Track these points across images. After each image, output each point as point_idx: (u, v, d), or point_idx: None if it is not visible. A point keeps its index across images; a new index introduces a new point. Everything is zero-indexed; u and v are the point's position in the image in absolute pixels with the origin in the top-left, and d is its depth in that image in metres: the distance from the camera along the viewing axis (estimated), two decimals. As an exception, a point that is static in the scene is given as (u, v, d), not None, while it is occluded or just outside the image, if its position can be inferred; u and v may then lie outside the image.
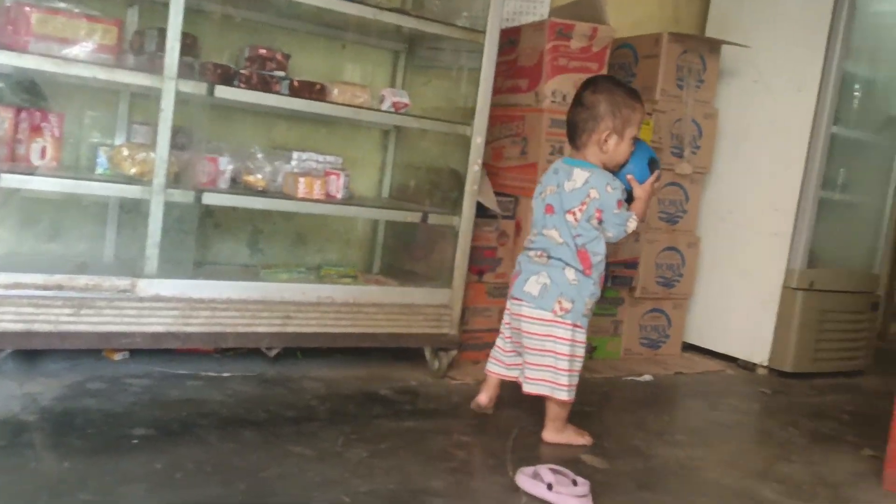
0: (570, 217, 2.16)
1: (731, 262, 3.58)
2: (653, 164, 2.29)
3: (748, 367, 3.52)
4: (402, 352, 2.81)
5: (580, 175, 2.16)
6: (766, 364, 3.46)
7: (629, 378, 3.12)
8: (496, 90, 2.83)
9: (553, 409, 2.28)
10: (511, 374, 2.38)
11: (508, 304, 2.32)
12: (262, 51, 2.58)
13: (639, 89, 3.31)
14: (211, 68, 2.41)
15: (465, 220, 2.72)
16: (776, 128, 3.46)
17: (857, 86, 3.53)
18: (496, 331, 3.01)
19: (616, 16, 3.46)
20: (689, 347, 3.70)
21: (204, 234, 2.84)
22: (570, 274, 2.17)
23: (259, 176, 2.53)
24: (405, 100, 2.73)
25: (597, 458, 2.15)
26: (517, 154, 3.11)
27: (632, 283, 3.38)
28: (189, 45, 2.36)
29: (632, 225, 2.19)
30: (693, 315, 3.68)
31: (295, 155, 2.67)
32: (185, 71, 2.24)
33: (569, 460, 2.09)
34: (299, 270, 2.76)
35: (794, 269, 3.39)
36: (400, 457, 1.99)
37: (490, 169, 3.12)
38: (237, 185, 2.53)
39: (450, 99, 2.97)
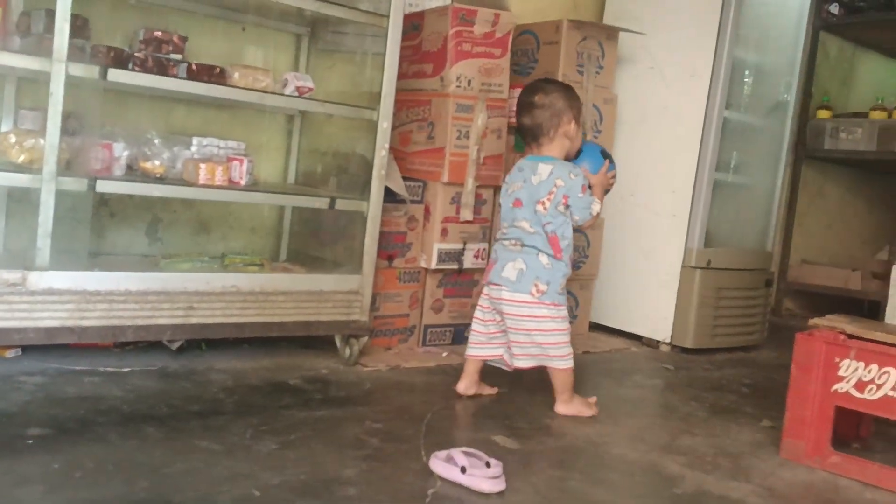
0: (539, 207, 2.37)
1: (633, 243, 3.69)
2: (605, 155, 2.56)
3: (652, 344, 3.63)
4: (312, 340, 2.77)
5: (545, 168, 2.38)
6: (668, 341, 3.59)
7: (538, 359, 3.17)
8: (402, 75, 2.81)
9: (557, 380, 2.48)
10: (494, 353, 2.55)
11: (486, 289, 2.51)
12: (158, 33, 2.48)
13: (540, 75, 3.39)
14: (103, 51, 2.30)
15: (374, 205, 2.70)
16: (672, 113, 3.58)
17: (746, 72, 3.69)
18: (407, 316, 3.05)
19: (518, 3, 3.51)
20: (595, 327, 3.79)
21: (99, 224, 2.71)
22: (544, 259, 2.39)
23: (157, 162, 2.43)
24: (309, 84, 2.68)
25: (509, 439, 2.18)
26: (424, 139, 3.10)
27: (539, 265, 3.43)
28: (80, 27, 2.26)
29: (595, 207, 2.42)
30: (599, 295, 3.77)
31: (195, 140, 2.59)
32: (75, 54, 2.14)
33: (481, 442, 2.10)
34: (202, 260, 2.67)
35: (691, 248, 3.52)
36: (311, 447, 1.96)
37: (397, 154, 3.10)
38: (134, 173, 2.43)
39: (355, 83, 2.94)
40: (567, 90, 2.50)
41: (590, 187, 2.44)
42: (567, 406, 2.48)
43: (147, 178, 2.42)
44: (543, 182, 2.37)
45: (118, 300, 2.23)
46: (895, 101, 4.66)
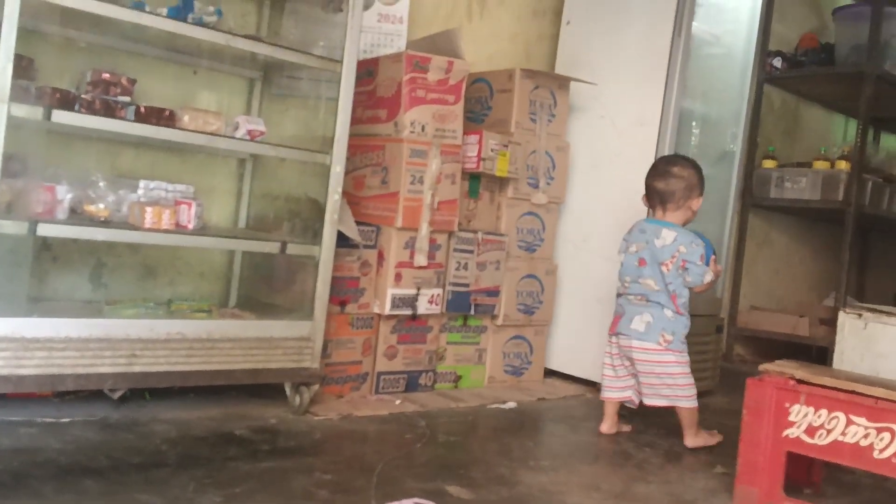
0: (663, 268, 2.72)
1: (586, 289, 3.70)
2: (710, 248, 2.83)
3: (605, 390, 3.63)
4: (261, 388, 2.70)
5: (668, 234, 2.73)
6: (621, 387, 3.58)
7: (494, 406, 3.14)
8: (356, 120, 2.81)
9: (685, 418, 2.81)
10: (624, 395, 2.90)
11: (614, 339, 2.85)
12: (106, 75, 2.44)
13: (494, 122, 3.43)
14: (49, 92, 2.26)
15: (326, 249, 2.66)
16: (623, 160, 3.64)
17: (693, 122, 3.78)
18: (359, 363, 3.00)
19: (471, 50, 3.55)
20: (550, 373, 3.77)
21: (41, 269, 2.62)
22: (668, 313, 2.75)
23: (101, 205, 2.37)
24: (261, 127, 2.66)
25: (462, 489, 2.13)
26: (378, 183, 3.09)
27: (494, 310, 3.42)
28: (24, 67, 2.22)
29: (708, 277, 2.74)
30: (553, 341, 3.76)
31: (142, 183, 2.53)
32: (18, 94, 2.09)
33: (434, 492, 2.06)
34: (147, 305, 2.60)
35: (644, 294, 3.54)
36: (257, 500, 1.89)
37: (351, 198, 3.08)
38: (77, 216, 2.36)
39: (308, 128, 2.93)
40: (700, 170, 2.84)
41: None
42: (694, 439, 2.81)
43: (91, 221, 2.36)
44: (667, 247, 2.70)
45: (58, 348, 2.14)
46: (837, 151, 4.82)
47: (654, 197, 2.79)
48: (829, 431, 2.14)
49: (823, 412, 2.15)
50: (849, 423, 2.10)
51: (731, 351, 4.91)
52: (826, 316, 4.66)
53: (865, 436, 2.08)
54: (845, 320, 2.79)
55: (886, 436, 2.05)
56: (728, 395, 3.83)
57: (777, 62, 4.79)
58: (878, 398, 2.08)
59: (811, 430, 2.17)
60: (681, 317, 2.77)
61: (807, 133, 5.45)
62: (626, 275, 2.79)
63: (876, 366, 2.63)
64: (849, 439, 2.10)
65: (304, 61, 2.67)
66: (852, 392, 2.12)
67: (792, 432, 2.20)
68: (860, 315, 2.76)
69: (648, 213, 2.94)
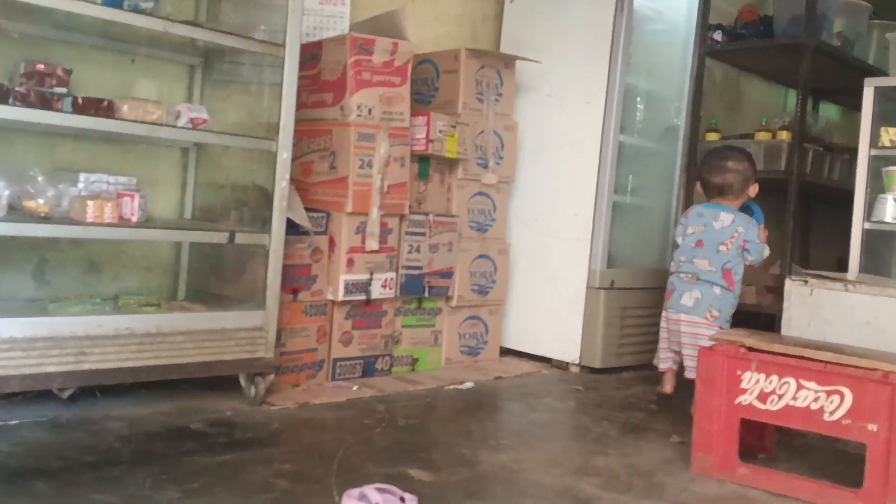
0: (722, 248, 2.88)
1: (539, 267, 3.73)
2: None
3: (562, 366, 3.67)
4: (216, 380, 2.66)
5: (726, 217, 2.91)
6: (577, 362, 3.63)
7: (451, 387, 3.15)
8: (301, 105, 2.77)
9: None
10: (675, 365, 3.07)
11: (666, 314, 3.01)
12: (41, 66, 2.37)
13: (442, 103, 3.41)
14: (-21, 85, 2.17)
15: (276, 237, 2.63)
16: (570, 138, 3.66)
17: (638, 98, 3.82)
18: (315, 350, 2.97)
19: (416, 32, 3.52)
20: (506, 352, 3.80)
21: (-21, 269, 2.54)
22: (717, 290, 2.89)
23: (41, 201, 2.30)
24: (203, 115, 2.60)
25: (424, 472, 2.14)
26: (326, 169, 3.06)
27: (448, 292, 3.42)
28: (-49, 59, 2.13)
29: (766, 251, 2.95)
30: (508, 320, 3.79)
31: (82, 177, 2.46)
32: (-54, 88, 2.01)
33: (395, 476, 2.06)
34: (93, 302, 2.53)
35: (595, 270, 3.59)
36: (215, 494, 1.87)
37: (299, 185, 3.04)
38: (17, 212, 2.28)
39: (252, 114, 2.87)
40: (752, 159, 3.06)
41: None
42: None
43: (31, 217, 2.28)
44: (726, 228, 2.88)
45: (2, 348, 2.08)
46: (779, 122, 4.91)
47: (713, 189, 2.97)
48: (780, 397, 2.19)
49: (774, 378, 2.20)
50: (799, 387, 2.17)
51: (681, 322, 5.00)
52: (772, 284, 4.76)
53: (815, 399, 2.14)
54: (791, 287, 2.86)
55: (836, 398, 2.11)
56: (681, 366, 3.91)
57: (717, 36, 4.84)
58: (826, 362, 2.14)
59: (763, 397, 2.22)
60: (730, 294, 2.92)
61: (748, 105, 5.54)
62: (682, 254, 2.94)
63: (823, 331, 2.71)
64: (800, 403, 2.17)
65: (245, 46, 2.62)
66: (801, 357, 2.18)
67: (744, 399, 2.25)
68: (806, 282, 2.84)
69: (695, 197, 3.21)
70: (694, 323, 2.89)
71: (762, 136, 4.81)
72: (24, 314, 2.27)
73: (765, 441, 2.52)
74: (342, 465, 2.14)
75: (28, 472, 1.89)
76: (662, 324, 3.04)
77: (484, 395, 3.11)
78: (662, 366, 3.10)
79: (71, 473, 1.91)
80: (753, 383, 2.24)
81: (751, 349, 2.27)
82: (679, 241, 2.98)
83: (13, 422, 2.25)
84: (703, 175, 3.02)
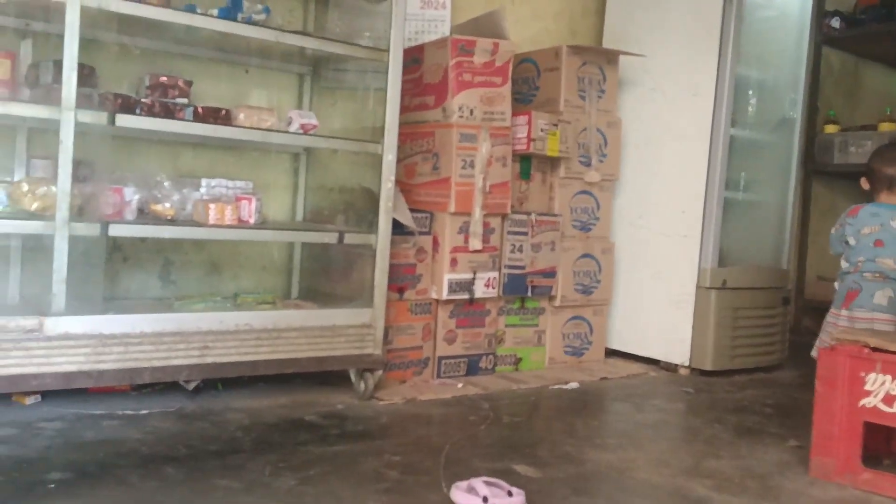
0: None
1: (645, 266, 3.66)
2: None
3: (670, 368, 3.59)
4: (327, 375, 2.76)
5: None
6: (686, 364, 3.54)
7: (556, 387, 3.14)
8: (404, 108, 2.83)
9: None
10: None
11: (846, 313, 2.87)
12: (164, 78, 2.53)
13: (543, 101, 3.41)
14: (111, 98, 2.34)
15: (382, 237, 2.70)
16: (677, 133, 3.58)
17: (750, 89, 3.69)
18: (420, 348, 3.03)
19: (515, 31, 3.54)
20: (611, 353, 3.75)
21: (113, 268, 2.73)
22: None
23: (167, 205, 2.45)
24: (313, 121, 2.71)
25: (529, 468, 2.15)
26: (429, 170, 3.11)
27: (551, 291, 3.41)
28: (86, 75, 2.30)
29: None
30: (613, 320, 3.74)
31: (204, 182, 2.61)
32: (83, 102, 2.18)
33: (501, 471, 2.07)
34: (215, 299, 2.68)
35: (705, 268, 3.49)
36: (330, 482, 1.94)
37: (403, 186, 3.11)
38: (145, 216, 2.45)
39: (358, 119, 2.96)
40: None
41: None
42: None
43: (158, 220, 2.44)
44: None
45: (133, 343, 2.23)
46: (904, 112, 4.65)
47: (884, 182, 2.93)
48: (907, 399, 2.08)
49: (901, 380, 2.09)
50: (927, 390, 2.05)
51: (798, 323, 4.80)
52: (897, 283, 4.51)
53: (945, 401, 2.02)
54: (918, 285, 2.70)
55: (966, 399, 1.99)
56: (798, 369, 3.76)
57: (835, 22, 4.64)
58: (956, 361, 2.02)
59: (889, 399, 2.11)
60: None
61: (869, 94, 5.26)
62: (860, 255, 2.89)
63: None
64: (928, 406, 2.05)
65: (351, 53, 2.70)
66: (929, 358, 2.06)
67: (868, 402, 2.15)
68: (934, 279, 2.68)
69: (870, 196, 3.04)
70: (888, 321, 2.82)
71: (886, 126, 4.57)
72: (153, 311, 2.42)
73: (892, 445, 2.39)
74: (449, 458, 2.17)
75: (159, 459, 2.02)
76: (835, 321, 2.93)
77: (589, 396, 3.09)
78: None
79: (197, 460, 2.03)
80: (878, 385, 2.13)
81: (875, 349, 2.16)
82: (851, 241, 2.94)
83: (144, 411, 2.41)
84: (876, 166, 2.96)
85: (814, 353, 3.02)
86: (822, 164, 4.74)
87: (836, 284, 3.07)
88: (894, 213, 2.88)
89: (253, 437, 2.26)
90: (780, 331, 3.78)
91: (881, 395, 2.13)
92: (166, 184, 2.49)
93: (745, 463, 2.33)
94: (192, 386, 2.55)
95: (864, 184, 3.01)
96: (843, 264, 2.99)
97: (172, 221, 2.44)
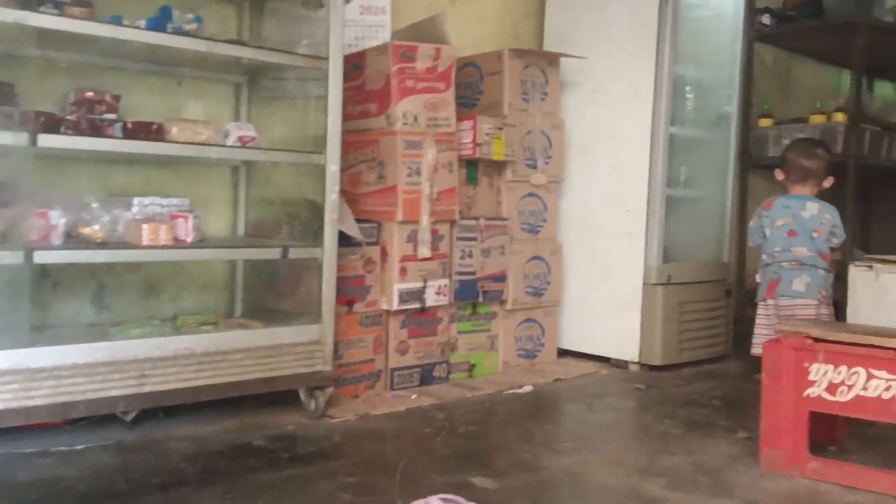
0: (814, 234, 3.08)
1: (593, 266, 3.67)
2: None
3: (621, 365, 3.60)
4: (276, 396, 2.67)
5: (812, 206, 3.12)
6: (636, 360, 3.56)
7: (510, 391, 3.12)
8: (347, 116, 2.77)
9: None
10: None
11: (771, 301, 3.15)
12: (90, 93, 2.41)
13: (487, 105, 3.38)
14: (33, 116, 2.22)
15: (328, 250, 2.63)
16: (619, 133, 3.60)
17: (688, 87, 3.74)
18: (372, 361, 2.97)
19: (457, 35, 3.50)
20: (564, 353, 3.75)
21: (41, 296, 2.60)
22: (821, 273, 3.09)
23: (97, 227, 2.34)
24: (251, 133, 2.62)
25: (487, 479, 2.11)
26: (375, 179, 3.06)
27: (502, 296, 3.39)
28: (5, 93, 2.18)
29: (844, 235, 3.15)
30: (564, 321, 3.74)
31: (136, 201, 2.50)
32: (2, 121, 2.06)
33: (459, 485, 2.04)
34: (153, 323, 2.57)
35: (651, 265, 3.52)
36: (282, 509, 1.88)
37: (349, 196, 3.05)
38: (73, 239, 2.33)
39: (299, 129, 2.88)
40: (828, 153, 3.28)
41: None
42: None
43: (88, 244, 2.32)
44: (814, 216, 3.09)
45: (65, 375, 2.12)
46: (833, 104, 4.76)
47: (798, 173, 3.15)
48: (850, 387, 2.12)
49: (843, 369, 2.13)
50: (869, 377, 2.09)
51: (741, 314, 4.87)
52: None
53: (887, 388, 2.06)
54: (856, 274, 2.76)
55: (910, 388, 2.02)
56: (742, 359, 3.81)
57: (766, 19, 4.73)
58: (898, 350, 2.06)
59: (832, 388, 2.15)
60: (829, 274, 3.13)
61: (801, 88, 5.38)
62: (776, 245, 3.12)
63: (891, 317, 2.60)
64: (871, 393, 2.09)
65: (289, 61, 2.63)
66: (871, 346, 2.10)
67: (813, 391, 2.18)
68: (871, 267, 2.73)
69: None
70: (808, 305, 3.08)
71: (817, 119, 4.69)
72: (85, 340, 2.29)
73: (835, 433, 2.43)
74: (405, 475, 2.13)
75: (97, 496, 1.92)
76: (765, 311, 3.18)
77: (543, 398, 3.07)
78: (758, 351, 3.20)
79: (138, 496, 1.94)
80: (821, 375, 2.17)
81: (817, 340, 2.19)
82: (767, 232, 3.15)
83: (80, 446, 2.29)
84: (791, 158, 3.16)
85: (755, 351, 3.21)
86: (757, 158, 4.82)
87: (757, 277, 3.30)
88: (803, 203, 3.10)
89: (198, 466, 2.17)
90: (723, 322, 3.85)
91: (824, 385, 2.17)
92: (94, 205, 2.38)
93: (696, 458, 2.35)
94: (130, 417, 2.45)
95: (779, 174, 3.20)
96: (763, 256, 3.19)
97: (103, 244, 2.33)
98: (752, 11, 4.41)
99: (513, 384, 3.20)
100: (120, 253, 2.36)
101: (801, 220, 3.10)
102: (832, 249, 3.15)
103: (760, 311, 3.20)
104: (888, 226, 5.45)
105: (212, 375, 2.37)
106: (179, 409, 2.57)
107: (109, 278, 2.75)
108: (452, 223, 3.17)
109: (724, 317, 3.84)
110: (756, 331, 3.21)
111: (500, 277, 3.37)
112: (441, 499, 1.82)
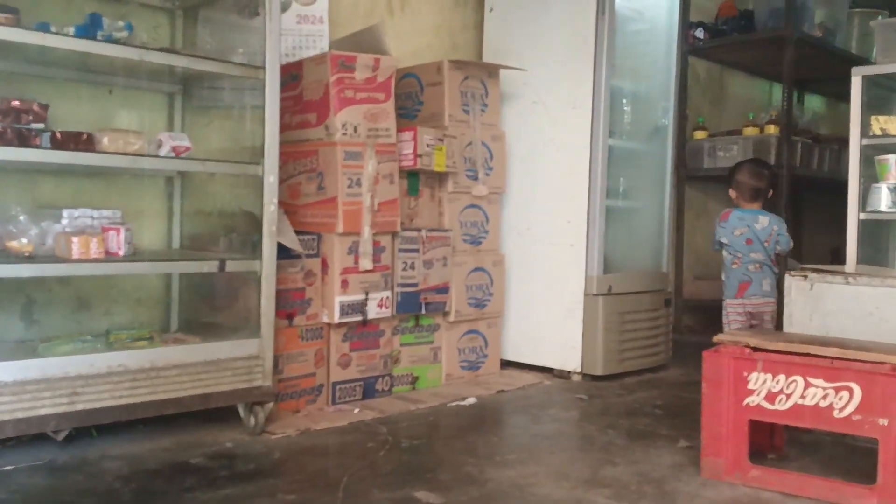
0: (766, 243, 3.40)
1: (535, 276, 3.69)
2: None
3: (563, 375, 3.62)
4: (214, 412, 2.60)
5: (763, 219, 3.42)
6: (579, 370, 3.59)
7: (454, 403, 3.10)
8: (284, 126, 2.73)
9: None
10: None
11: (747, 300, 3.41)
12: (16, 102, 2.32)
13: (427, 116, 3.37)
14: (-46, 125, 2.12)
15: (267, 263, 2.59)
16: (559, 144, 3.63)
17: (624, 100, 3.79)
18: (313, 375, 2.92)
19: (396, 46, 3.49)
20: (507, 364, 3.75)
21: (-35, 313, 2.49)
22: (772, 273, 3.42)
23: (24, 240, 2.25)
24: (186, 143, 2.56)
25: (431, 493, 2.09)
26: (315, 190, 3.02)
27: (445, 307, 3.38)
28: (-75, 102, 2.08)
29: (791, 243, 3.46)
30: (507, 331, 3.74)
31: (66, 213, 2.42)
32: (-81, 130, 1.96)
33: (403, 500, 2.01)
34: (84, 339, 2.48)
35: (592, 276, 3.55)
36: (221, 530, 1.82)
37: (288, 208, 3.00)
38: (1, 253, 2.23)
39: (236, 139, 2.83)
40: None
41: None
42: None
43: (15, 258, 2.23)
44: (765, 228, 3.40)
45: (-9, 394, 2.02)
46: (766, 116, 4.90)
47: (748, 192, 3.48)
48: (788, 396, 2.16)
49: (781, 377, 2.17)
50: (807, 385, 2.13)
51: (679, 322, 4.97)
52: (769, 279, 4.74)
53: (824, 396, 2.11)
54: (791, 283, 2.83)
55: (845, 395, 2.07)
56: (682, 367, 3.89)
57: (699, 33, 4.85)
58: (833, 358, 2.11)
59: (771, 397, 2.19)
60: (776, 274, 3.49)
61: (734, 101, 5.54)
62: (738, 251, 3.44)
63: (826, 324, 2.68)
64: (808, 402, 2.13)
65: (224, 70, 2.58)
66: (807, 354, 2.14)
67: (752, 400, 2.22)
68: (805, 276, 2.81)
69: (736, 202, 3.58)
70: (771, 303, 3.44)
71: (750, 131, 4.82)
72: (13, 357, 2.21)
73: (774, 440, 2.48)
74: (348, 491, 2.09)
75: (25, 521, 1.84)
76: (738, 310, 3.46)
77: (487, 410, 3.07)
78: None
79: (69, 519, 1.86)
80: (760, 384, 2.20)
81: (756, 349, 2.23)
82: (724, 240, 3.47)
83: (8, 467, 2.20)
84: (742, 179, 3.50)
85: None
86: (693, 169, 4.94)
87: (723, 276, 3.56)
88: (756, 217, 3.46)
89: (133, 486, 2.09)
90: (664, 332, 3.90)
91: (763, 394, 2.20)
92: (22, 217, 2.29)
93: (640, 468, 2.36)
94: (62, 436, 2.35)
95: (732, 193, 3.52)
96: (727, 258, 3.49)
97: (31, 258, 2.24)
98: (685, 25, 4.52)
99: (456, 396, 3.18)
100: (49, 267, 2.27)
101: (755, 230, 3.44)
102: (777, 255, 3.52)
103: (730, 308, 3.50)
104: (818, 234, 5.64)
105: (147, 392, 2.30)
106: (113, 428, 2.48)
107: (38, 293, 2.65)
108: (394, 235, 3.15)
109: (664, 325, 3.90)
110: (727, 322, 3.51)
111: (443, 289, 3.36)
112: (385, 514, 1.79)
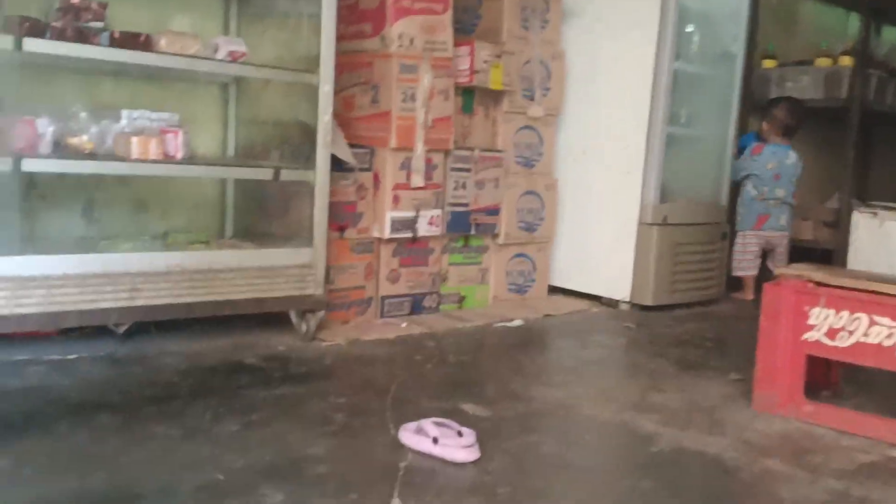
0: (793, 178, 3.74)
1: (588, 203, 3.62)
2: None
3: (611, 304, 3.59)
4: (268, 317, 2.65)
5: (793, 154, 3.77)
6: (627, 300, 3.55)
7: (500, 324, 3.11)
8: (339, 37, 2.67)
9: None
10: (756, 272, 3.91)
11: (760, 233, 3.84)
12: (76, 0, 2.30)
13: (485, 31, 3.26)
14: (17, 21, 2.12)
15: (321, 174, 2.58)
16: (621, 67, 3.51)
17: (693, 22, 3.63)
18: (363, 288, 2.95)
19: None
20: (554, 290, 3.73)
21: (31, 207, 2.53)
22: (790, 209, 3.83)
23: (85, 137, 2.26)
24: (242, 48, 2.53)
25: (478, 406, 2.11)
26: (369, 103, 2.98)
27: (495, 229, 3.36)
28: (-12, -4, 2.08)
29: None
30: (556, 257, 3.71)
31: (125, 113, 2.42)
32: (-14, 24, 1.97)
33: (450, 411, 2.03)
34: (143, 239, 2.52)
35: (647, 204, 3.47)
36: (274, 426, 1.86)
37: (341, 119, 2.97)
38: (61, 150, 2.26)
39: (291, 48, 2.79)
40: None
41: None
42: None
43: (76, 154, 2.25)
44: (794, 163, 3.74)
45: (56, 285, 2.08)
46: (840, 46, 4.67)
47: (783, 128, 3.72)
48: (850, 333, 2.09)
49: (845, 314, 2.10)
50: (871, 323, 2.06)
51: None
52: (829, 218, 4.60)
53: (889, 335, 2.04)
54: (859, 219, 2.73)
55: (912, 333, 2.01)
56: (735, 303, 3.82)
57: (774, -45, 4.60)
58: (901, 296, 2.04)
59: (832, 333, 2.12)
60: (794, 209, 3.90)
61: (806, 29, 5.26)
62: (765, 185, 3.70)
63: (892, 263, 2.59)
64: (872, 340, 2.07)
65: (282, -26, 2.53)
66: (875, 292, 2.07)
67: (811, 335, 2.16)
68: (875, 213, 2.71)
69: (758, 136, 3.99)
70: (786, 235, 3.82)
71: (822, 62, 4.59)
72: (75, 251, 2.26)
73: (830, 377, 2.43)
74: (396, 399, 2.12)
75: (90, 406, 1.90)
76: (753, 240, 3.82)
77: (533, 333, 3.07)
78: (749, 273, 3.89)
79: (131, 407, 1.92)
80: (822, 319, 2.14)
81: (819, 284, 2.17)
82: (757, 172, 3.67)
83: (71, 356, 2.27)
84: (779, 115, 3.71)
85: (739, 273, 3.92)
86: (759, 100, 4.74)
87: (739, 208, 3.82)
88: (787, 152, 3.72)
89: (191, 381, 2.15)
90: (717, 266, 3.82)
91: (824, 329, 2.14)
92: (83, 115, 2.30)
93: (688, 396, 2.34)
94: (122, 329, 2.42)
95: (765, 126, 3.75)
96: (752, 192, 3.74)
97: (92, 156, 2.27)
98: (760, -54, 4.28)
99: (503, 317, 3.19)
100: (109, 165, 2.29)
101: (785, 165, 3.69)
102: None
103: (747, 239, 3.77)
104: (887, 172, 5.41)
105: (204, 293, 2.34)
106: (171, 326, 2.54)
107: (99, 192, 2.69)
108: (447, 153, 3.11)
109: (718, 260, 3.81)
110: (742, 256, 3.81)
111: (494, 210, 3.33)
112: (434, 422, 1.81)
